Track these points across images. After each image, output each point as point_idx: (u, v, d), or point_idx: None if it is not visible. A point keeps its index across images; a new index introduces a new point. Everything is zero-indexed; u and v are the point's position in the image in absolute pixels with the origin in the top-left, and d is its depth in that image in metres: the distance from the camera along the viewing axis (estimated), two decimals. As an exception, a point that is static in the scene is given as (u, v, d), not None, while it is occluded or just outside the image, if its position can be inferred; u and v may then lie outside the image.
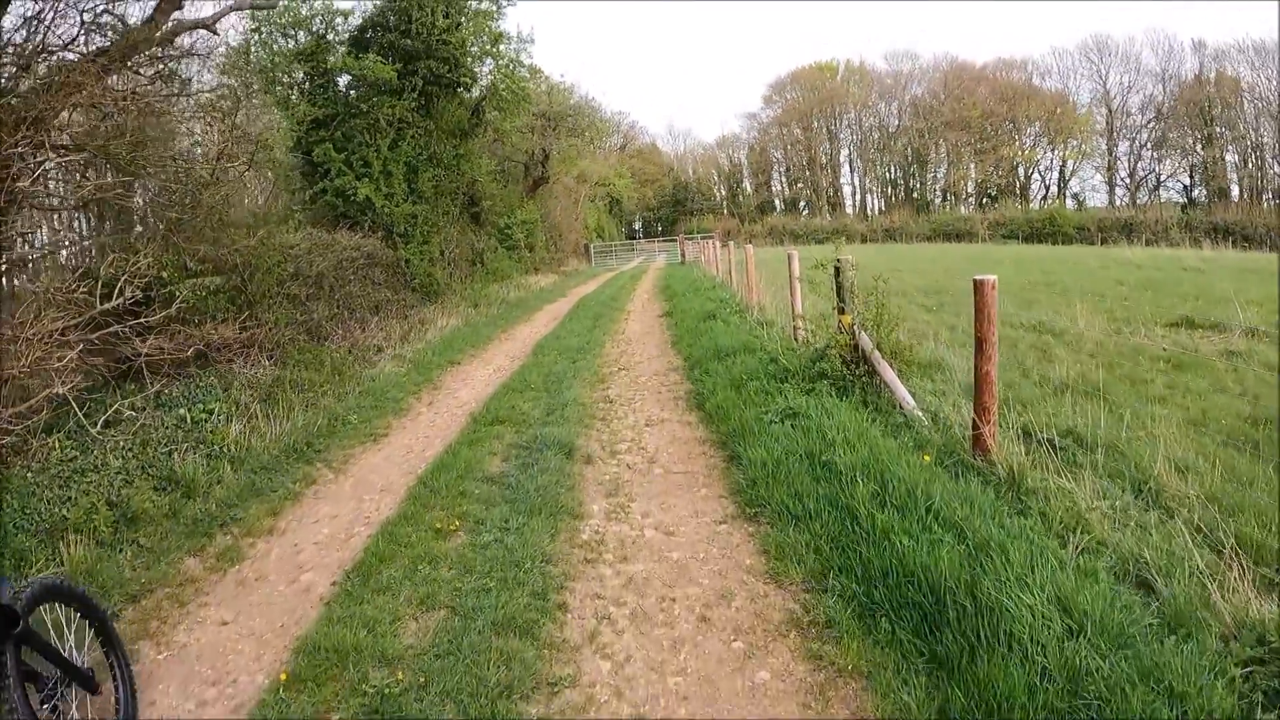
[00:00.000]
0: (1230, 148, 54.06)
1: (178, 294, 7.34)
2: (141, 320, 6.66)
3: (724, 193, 78.86)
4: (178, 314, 7.13)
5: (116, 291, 6.49)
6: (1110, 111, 61.93)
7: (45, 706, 2.54)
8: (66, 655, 2.70)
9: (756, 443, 4.93)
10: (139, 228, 8.03)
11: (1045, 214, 55.65)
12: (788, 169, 76.35)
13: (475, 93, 18.50)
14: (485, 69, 18.47)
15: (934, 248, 45.05)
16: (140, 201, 8.35)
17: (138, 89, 7.58)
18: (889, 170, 72.01)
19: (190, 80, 9.00)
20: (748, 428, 5.29)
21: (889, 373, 5.65)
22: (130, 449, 5.56)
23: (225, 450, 5.84)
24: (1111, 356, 8.46)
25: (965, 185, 68.26)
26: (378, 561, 3.84)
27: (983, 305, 4.26)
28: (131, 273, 6.66)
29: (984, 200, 65.73)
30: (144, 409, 6.44)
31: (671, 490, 4.71)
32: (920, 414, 5.26)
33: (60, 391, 5.53)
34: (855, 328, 6.03)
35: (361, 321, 11.48)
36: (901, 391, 5.49)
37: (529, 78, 20.91)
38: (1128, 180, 60.71)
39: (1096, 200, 62.33)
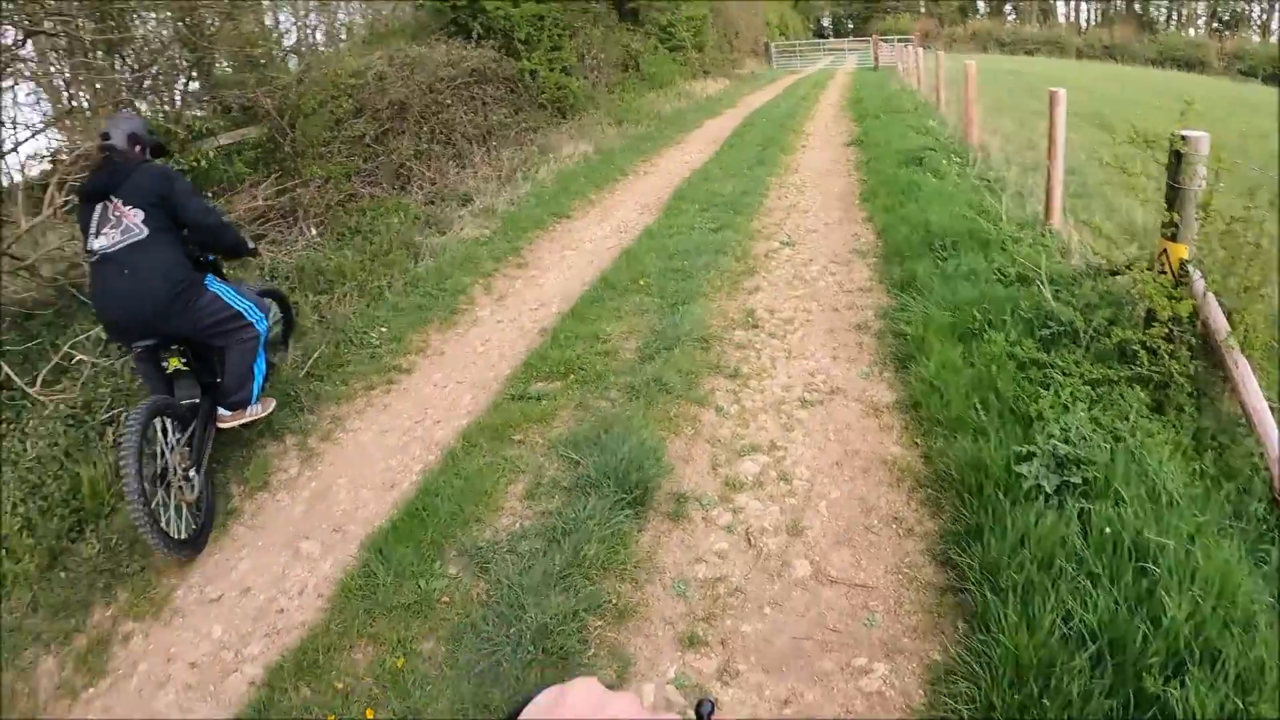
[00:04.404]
0: None
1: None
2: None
3: (921, -11, 68.52)
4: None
5: (46, 201, 4.52)
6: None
7: None
8: None
9: (1002, 546, 2.20)
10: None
11: (1295, 53, 43.88)
12: (996, -35, 64.48)
13: None
14: None
15: (1165, 76, 34.96)
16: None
17: None
18: (1111, -23, 59.25)
19: None
20: (991, 487, 2.50)
21: (1257, 398, 2.57)
22: (69, 419, 3.69)
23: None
24: None
25: (1195, 6, 55.80)
26: None
27: None
28: (67, 166, 4.65)
29: (1214, 26, 54.05)
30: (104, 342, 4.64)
31: (823, 677, 2.17)
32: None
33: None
34: (1195, 276, 2.87)
35: (460, 156, 9.15)
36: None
37: None
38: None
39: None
